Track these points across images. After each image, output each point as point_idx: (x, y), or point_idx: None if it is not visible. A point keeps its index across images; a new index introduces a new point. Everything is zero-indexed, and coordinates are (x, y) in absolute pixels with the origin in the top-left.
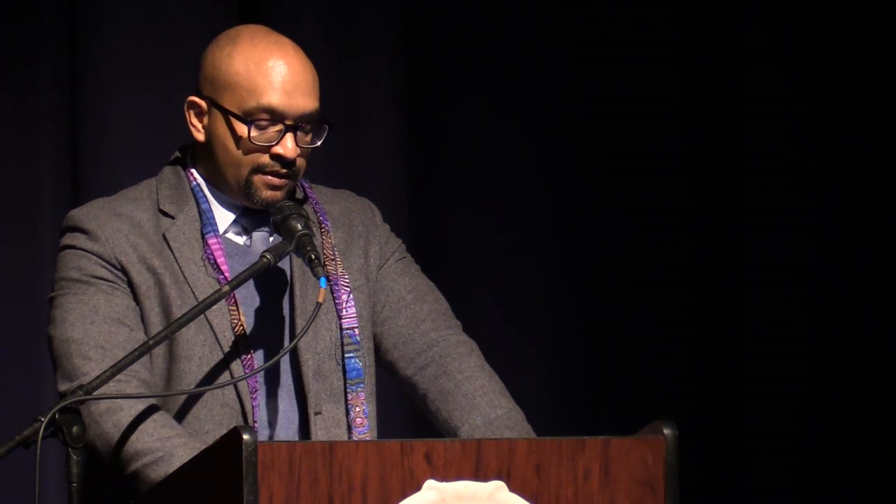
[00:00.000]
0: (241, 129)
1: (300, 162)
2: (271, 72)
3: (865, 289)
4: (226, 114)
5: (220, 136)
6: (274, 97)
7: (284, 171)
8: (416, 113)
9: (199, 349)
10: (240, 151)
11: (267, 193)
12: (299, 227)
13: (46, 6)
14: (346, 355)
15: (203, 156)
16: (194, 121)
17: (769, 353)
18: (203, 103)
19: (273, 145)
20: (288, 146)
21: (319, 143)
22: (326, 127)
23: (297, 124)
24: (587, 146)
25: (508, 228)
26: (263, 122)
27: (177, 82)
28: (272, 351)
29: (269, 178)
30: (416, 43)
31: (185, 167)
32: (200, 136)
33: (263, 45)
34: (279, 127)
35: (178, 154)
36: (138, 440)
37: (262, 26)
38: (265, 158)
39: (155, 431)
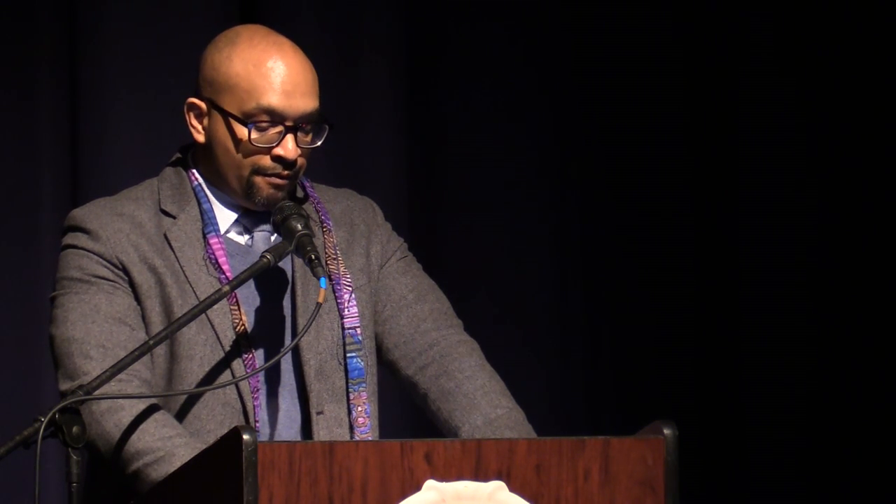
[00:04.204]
0: (242, 131)
1: (301, 162)
2: (271, 73)
3: (866, 289)
4: (226, 116)
5: (220, 138)
6: (273, 98)
7: (286, 172)
8: (416, 113)
9: (200, 349)
10: (240, 153)
11: (268, 193)
12: (299, 227)
13: (46, 6)
14: (348, 355)
15: (203, 157)
16: (194, 122)
17: (769, 353)
18: (203, 105)
19: (273, 147)
20: (288, 147)
21: (320, 143)
22: (327, 127)
23: (297, 125)
24: (587, 145)
25: (508, 228)
26: (263, 124)
27: (177, 82)
28: (273, 350)
29: (271, 178)
30: (416, 43)
31: (187, 168)
32: (201, 138)
33: (262, 46)
34: (279, 128)
35: (178, 155)
36: (139, 440)
37: (260, 26)
38: (266, 160)
39: (156, 431)
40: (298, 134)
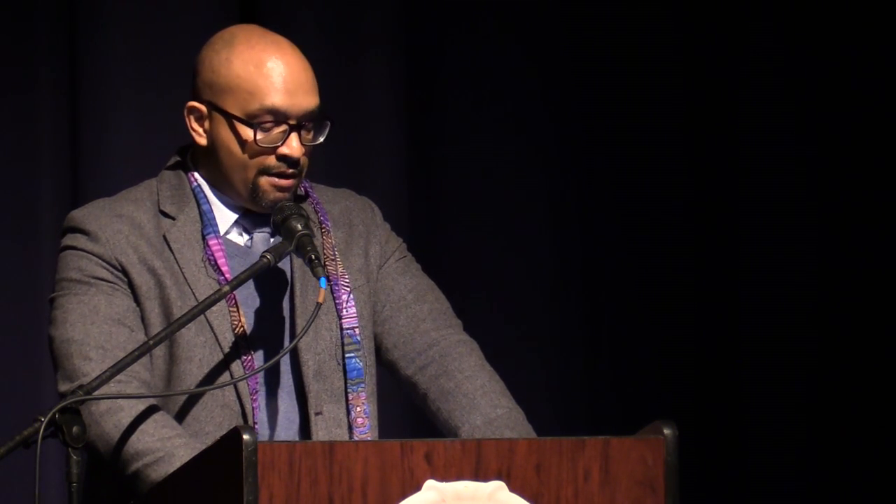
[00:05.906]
0: (246, 132)
1: (304, 160)
2: (272, 73)
3: (865, 289)
4: (229, 118)
5: (223, 140)
6: (277, 98)
7: (290, 170)
8: (416, 113)
9: (199, 350)
10: (245, 154)
11: (274, 195)
12: (299, 227)
13: (46, 6)
14: (347, 355)
15: (205, 159)
16: (195, 125)
17: (769, 354)
18: (203, 108)
19: (278, 146)
20: (293, 146)
21: (322, 139)
22: (328, 123)
23: (300, 123)
24: (587, 146)
25: (508, 228)
26: (268, 124)
27: (177, 82)
28: (272, 352)
29: (276, 179)
30: (416, 43)
31: (186, 169)
32: (202, 141)
33: (261, 46)
34: (283, 127)
35: (177, 157)
36: (139, 440)
37: (255, 26)
38: (271, 160)
39: (155, 432)
40: (301, 132)
